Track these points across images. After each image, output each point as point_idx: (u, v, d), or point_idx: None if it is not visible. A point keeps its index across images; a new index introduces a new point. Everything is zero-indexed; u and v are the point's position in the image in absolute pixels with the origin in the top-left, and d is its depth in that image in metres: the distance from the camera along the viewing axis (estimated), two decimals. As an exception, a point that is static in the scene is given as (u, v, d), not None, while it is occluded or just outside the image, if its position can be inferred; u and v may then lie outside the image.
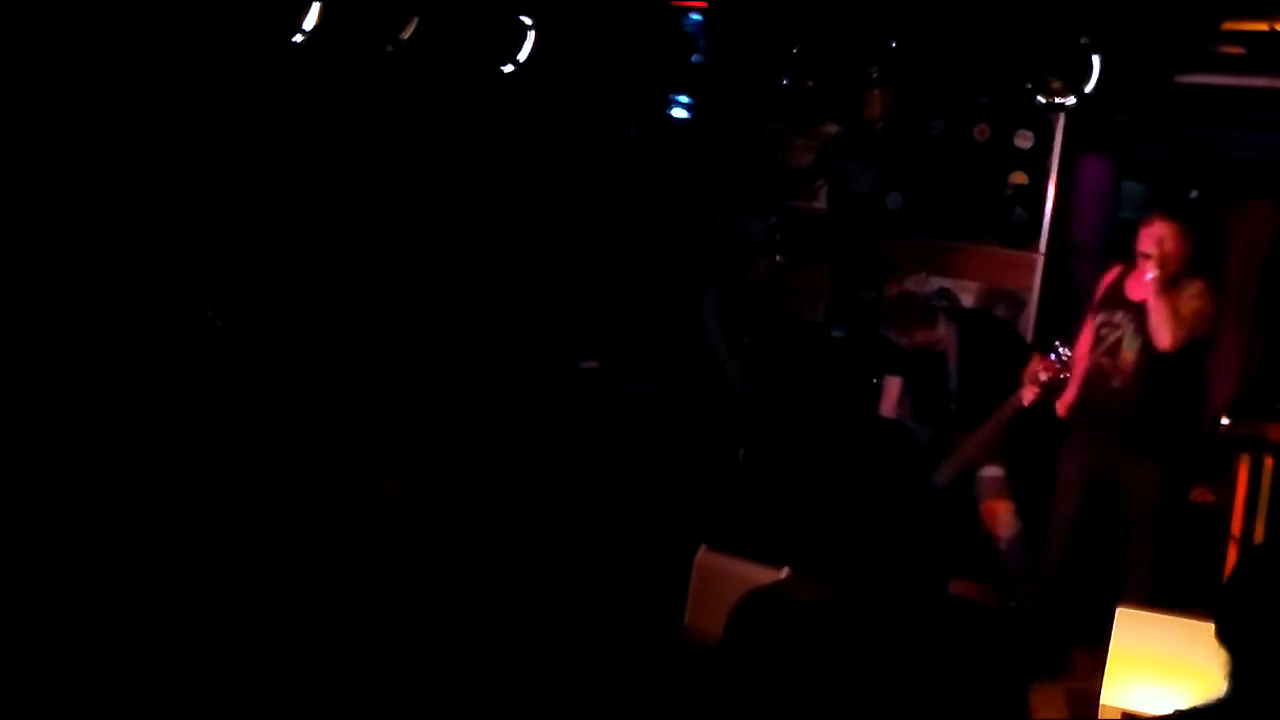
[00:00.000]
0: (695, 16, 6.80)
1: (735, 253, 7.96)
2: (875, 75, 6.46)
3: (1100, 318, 5.79)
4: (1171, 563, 6.28)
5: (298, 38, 5.63)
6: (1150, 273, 5.51)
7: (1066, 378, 5.78)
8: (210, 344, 6.25)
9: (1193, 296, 5.57)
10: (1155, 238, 5.52)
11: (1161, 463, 5.77)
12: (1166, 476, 5.82)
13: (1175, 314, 5.50)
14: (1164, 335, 5.51)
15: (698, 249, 8.02)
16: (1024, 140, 7.23)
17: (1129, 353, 5.63)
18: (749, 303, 7.90)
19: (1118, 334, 5.68)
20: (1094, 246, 7.14)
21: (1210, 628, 2.36)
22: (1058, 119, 7.05)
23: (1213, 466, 6.37)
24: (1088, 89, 6.06)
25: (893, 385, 6.65)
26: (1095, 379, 5.75)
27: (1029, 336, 6.96)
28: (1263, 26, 5.77)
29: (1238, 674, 2.32)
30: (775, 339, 7.80)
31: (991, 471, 6.07)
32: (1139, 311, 5.60)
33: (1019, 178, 7.27)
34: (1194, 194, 7.28)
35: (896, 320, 6.42)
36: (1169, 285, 5.52)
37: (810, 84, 6.76)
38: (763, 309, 7.87)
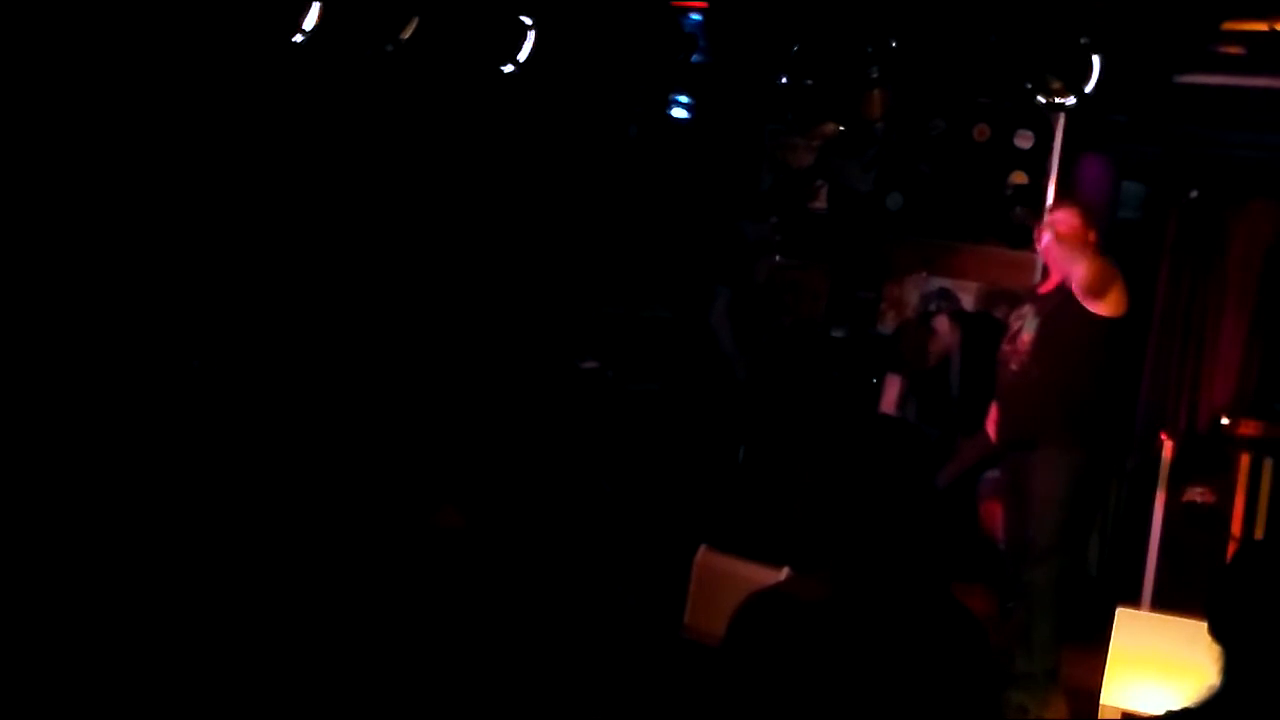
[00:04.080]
0: (695, 16, 6.80)
1: (747, 253, 7.96)
2: (875, 75, 6.46)
3: (1013, 314, 5.78)
4: (1171, 563, 6.29)
5: (298, 38, 5.62)
6: (1042, 239, 5.50)
7: None
8: (195, 365, 6.25)
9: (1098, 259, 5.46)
10: (1050, 222, 5.54)
11: (1059, 455, 5.40)
12: (1068, 480, 5.41)
13: (1083, 252, 5.38)
14: (1077, 270, 5.36)
15: (704, 249, 8.02)
16: (1024, 140, 7.23)
17: (1027, 334, 5.52)
18: (758, 304, 7.90)
19: (1020, 322, 5.60)
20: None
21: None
22: (1058, 119, 7.04)
23: (1212, 466, 6.38)
24: (1088, 89, 6.05)
25: (893, 384, 6.66)
26: (999, 370, 5.67)
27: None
28: (1263, 26, 5.76)
29: (1230, 670, 2.32)
30: (781, 340, 7.81)
31: (992, 473, 6.07)
32: (1044, 301, 5.55)
33: (1019, 178, 7.27)
34: (1194, 194, 7.28)
35: (909, 349, 6.48)
36: (1067, 279, 5.46)
37: (810, 84, 6.76)
38: (770, 311, 7.87)
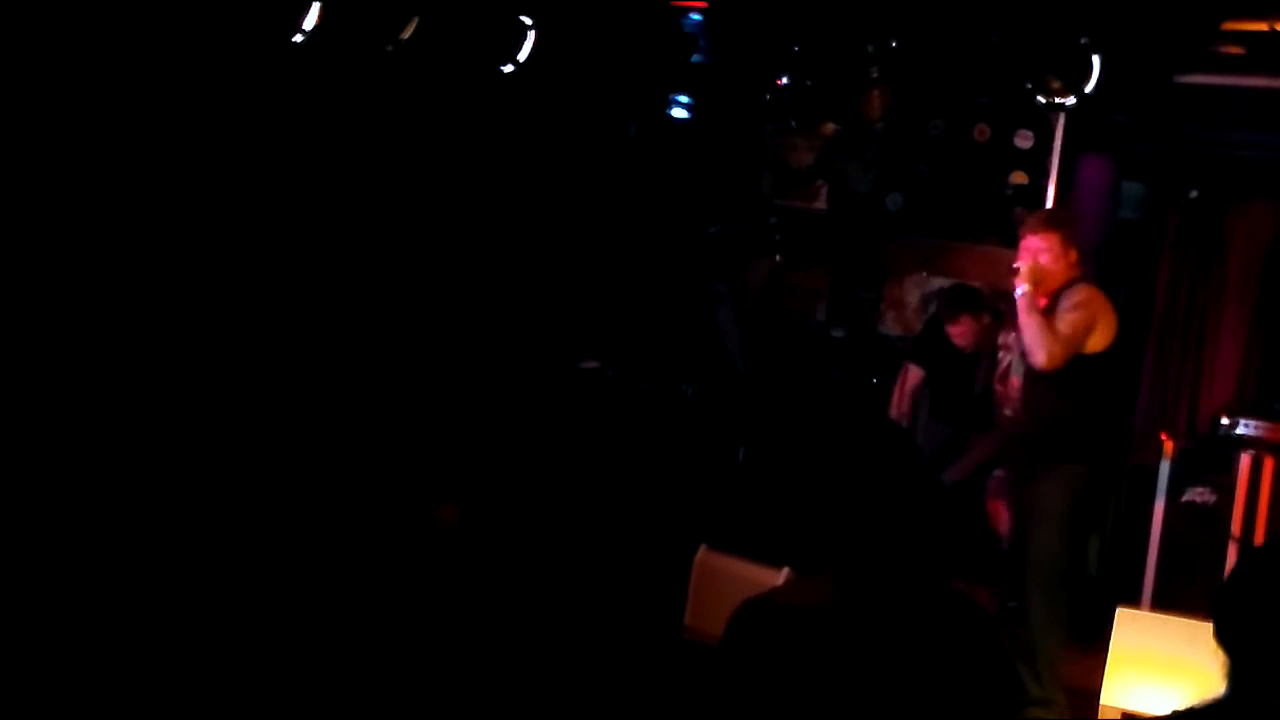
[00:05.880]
0: (695, 16, 6.80)
1: (743, 251, 7.96)
2: (875, 75, 6.45)
3: (1000, 339, 5.64)
4: (1171, 563, 6.29)
5: (298, 38, 5.62)
6: (1019, 288, 5.13)
7: None
8: (211, 347, 6.25)
9: (1070, 308, 5.14)
10: (1030, 251, 5.20)
11: (1060, 473, 5.28)
12: (1069, 495, 5.31)
13: (1049, 330, 5.07)
14: (1038, 354, 5.09)
15: (700, 248, 8.01)
16: (1024, 140, 7.23)
17: (1015, 377, 5.42)
18: (756, 303, 7.90)
19: (1010, 357, 5.48)
20: (1094, 246, 7.14)
21: (1210, 628, 2.36)
22: (1058, 119, 7.05)
23: (1212, 466, 6.37)
24: (1088, 89, 6.04)
25: (914, 375, 6.68)
26: (996, 410, 5.60)
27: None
28: (1263, 26, 5.76)
29: (1236, 674, 2.32)
30: (782, 341, 7.81)
31: (1000, 471, 6.06)
32: None
33: (1019, 178, 7.28)
34: (1194, 194, 7.28)
35: (953, 308, 6.42)
36: (1052, 300, 5.18)
37: (810, 84, 6.76)
38: (770, 311, 7.88)
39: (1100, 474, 5.58)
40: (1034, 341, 5.09)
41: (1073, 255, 5.26)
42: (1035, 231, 5.29)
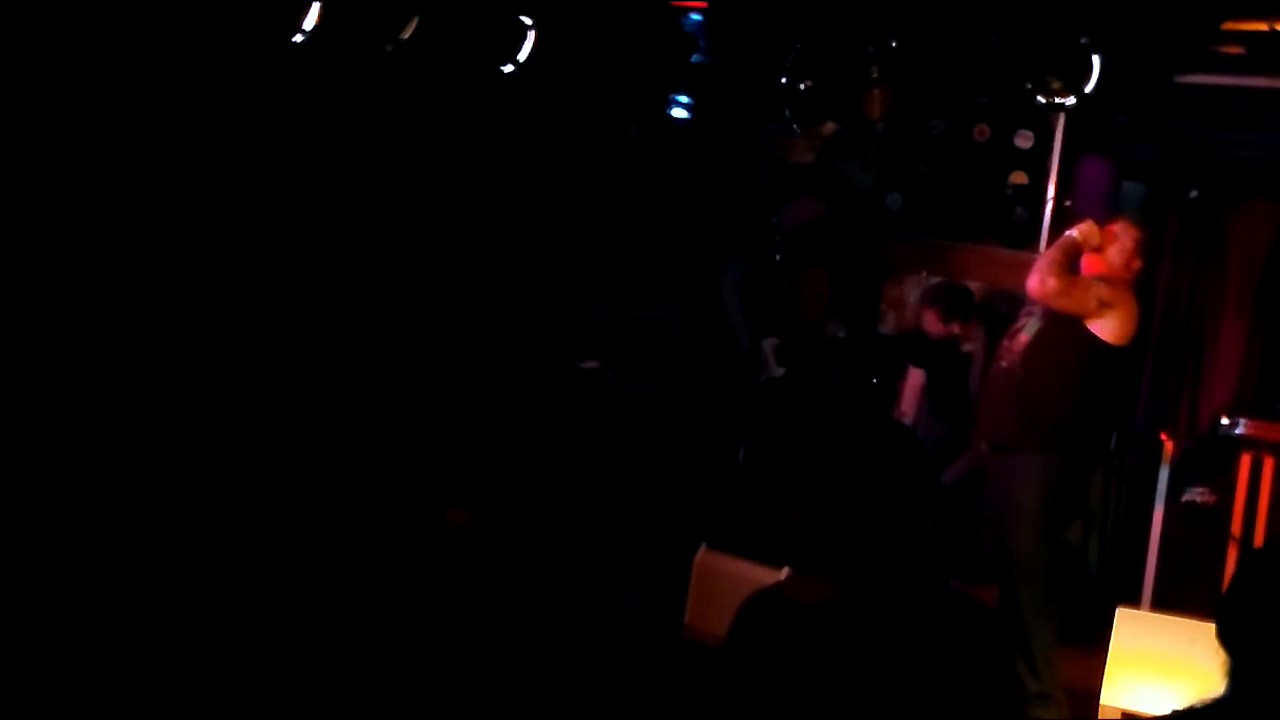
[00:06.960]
0: (695, 16, 6.80)
1: (763, 232, 7.94)
2: (875, 75, 6.46)
3: (1022, 310, 5.66)
4: (1171, 563, 6.29)
5: (298, 38, 5.62)
6: (1071, 231, 5.33)
7: None
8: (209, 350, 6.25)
9: (1098, 280, 5.30)
10: (1110, 230, 5.37)
11: (1033, 460, 5.28)
12: (1042, 486, 5.28)
13: (1060, 269, 5.22)
14: (1033, 276, 5.25)
15: (716, 229, 8.00)
16: (1024, 140, 7.24)
17: (1025, 335, 5.41)
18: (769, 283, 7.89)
19: (1025, 321, 5.48)
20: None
21: (1210, 628, 2.37)
22: (1058, 119, 7.06)
23: (1212, 466, 6.38)
24: (1088, 89, 6.05)
25: (915, 376, 6.70)
26: (993, 364, 5.58)
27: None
28: (1263, 26, 5.77)
29: (1237, 675, 2.32)
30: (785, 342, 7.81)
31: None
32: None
33: (1019, 178, 7.28)
34: (1194, 194, 7.29)
35: (939, 305, 6.53)
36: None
37: (810, 84, 6.76)
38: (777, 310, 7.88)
39: (1074, 466, 5.56)
40: (1040, 265, 5.29)
41: (1136, 263, 5.40)
42: (1127, 220, 5.52)
